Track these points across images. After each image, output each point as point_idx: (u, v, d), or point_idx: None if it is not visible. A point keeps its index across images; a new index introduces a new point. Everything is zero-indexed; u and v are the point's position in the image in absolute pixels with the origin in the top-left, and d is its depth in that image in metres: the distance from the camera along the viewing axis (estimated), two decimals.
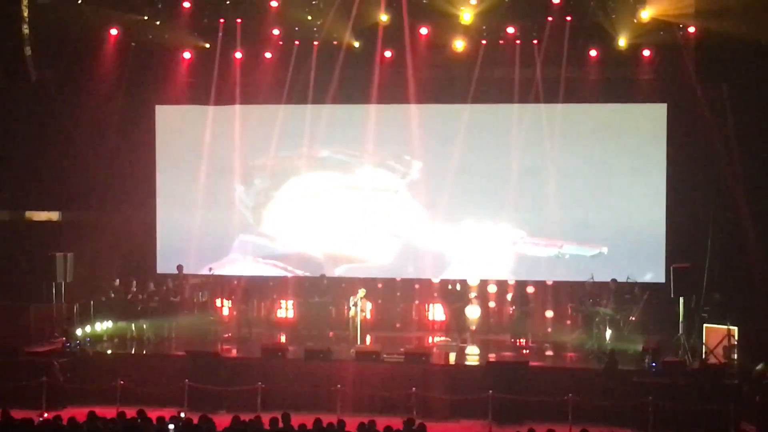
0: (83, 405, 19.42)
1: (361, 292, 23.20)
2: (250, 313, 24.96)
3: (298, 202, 26.27)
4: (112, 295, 24.10)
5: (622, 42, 24.02)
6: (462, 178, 25.42)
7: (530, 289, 25.16)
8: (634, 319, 22.40)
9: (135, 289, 24.17)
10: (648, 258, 24.57)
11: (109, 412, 16.61)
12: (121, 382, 20.15)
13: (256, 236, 26.44)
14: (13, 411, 15.69)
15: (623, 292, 22.97)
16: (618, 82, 24.77)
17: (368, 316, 23.77)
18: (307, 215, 26.16)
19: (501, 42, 24.90)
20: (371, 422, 15.27)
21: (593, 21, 24.01)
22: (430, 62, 25.06)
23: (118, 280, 24.46)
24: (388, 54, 25.21)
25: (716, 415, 18.41)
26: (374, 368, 20.77)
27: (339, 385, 19.93)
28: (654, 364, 20.07)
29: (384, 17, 24.30)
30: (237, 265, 26.27)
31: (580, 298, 23.63)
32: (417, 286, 26.21)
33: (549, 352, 22.51)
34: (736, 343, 20.85)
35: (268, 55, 25.61)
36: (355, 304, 22.98)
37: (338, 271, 25.94)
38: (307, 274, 25.82)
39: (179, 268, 24.97)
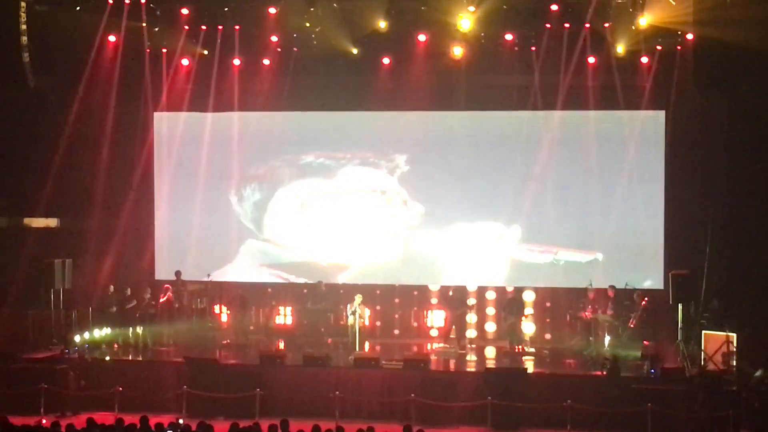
0: (81, 411, 19.51)
1: (358, 298, 23.21)
2: (247, 320, 24.92)
3: (299, 209, 26.27)
4: (114, 309, 23.99)
5: (621, 49, 24.05)
6: (460, 184, 25.43)
7: (528, 296, 25.14)
8: (632, 325, 22.39)
9: (129, 295, 24.08)
10: (647, 265, 24.55)
11: (107, 418, 16.61)
12: (120, 389, 20.12)
13: (261, 242, 26.44)
14: (11, 418, 15.66)
15: (621, 299, 22.96)
16: (616, 89, 24.69)
17: (366, 323, 23.70)
18: (310, 222, 26.18)
19: (499, 49, 24.91)
20: (370, 429, 15.25)
21: (591, 28, 24.00)
22: (428, 69, 25.06)
23: (112, 287, 24.39)
24: (386, 61, 25.25)
25: (715, 422, 18.39)
26: (373, 375, 20.77)
27: (337, 392, 19.95)
28: (653, 370, 20.11)
29: (382, 24, 24.32)
30: (240, 271, 26.23)
31: (578, 304, 23.59)
32: (416, 293, 26.16)
33: (547, 359, 22.52)
34: (734, 349, 20.85)
35: (266, 62, 25.61)
36: (353, 312, 22.99)
37: (342, 278, 25.88)
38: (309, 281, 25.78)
39: (177, 274, 24.97)
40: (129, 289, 24.24)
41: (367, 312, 23.65)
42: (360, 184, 26.04)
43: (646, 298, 22.67)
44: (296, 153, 26.18)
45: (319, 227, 26.11)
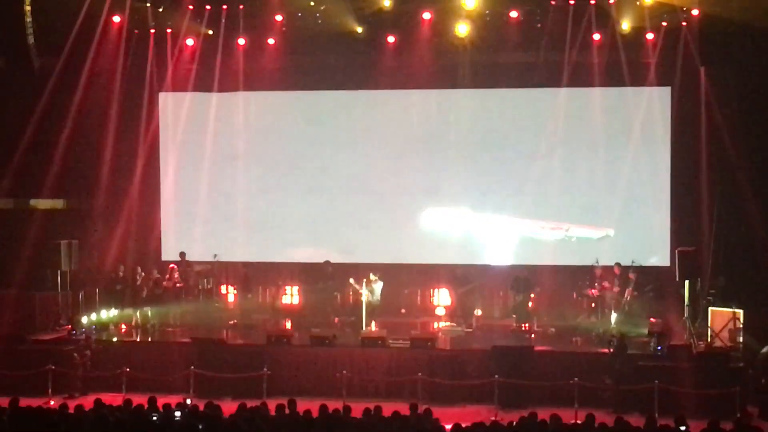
0: (89, 392, 19.58)
1: (373, 276, 23.14)
2: (254, 300, 24.91)
3: (306, 193, 26.29)
4: (118, 286, 23.98)
5: (626, 25, 23.97)
6: (467, 162, 25.42)
7: (535, 274, 25.06)
8: (628, 299, 22.35)
9: (140, 277, 24.08)
10: (653, 241, 24.55)
11: (115, 399, 16.66)
12: (127, 370, 20.18)
13: (265, 225, 26.41)
14: (19, 398, 15.70)
15: (628, 276, 22.94)
16: (621, 66, 24.57)
17: (378, 300, 23.49)
18: (316, 206, 26.20)
19: (504, 26, 24.80)
20: (377, 407, 15.26)
21: (596, 4, 23.89)
22: (433, 47, 24.97)
23: (122, 267, 24.38)
24: (391, 39, 25.15)
25: (721, 398, 18.33)
26: (379, 354, 20.81)
27: (344, 371, 19.98)
28: (659, 347, 20.10)
29: (387, 2, 24.23)
30: (247, 251, 26.16)
31: (585, 282, 23.58)
32: (422, 271, 26.00)
33: (554, 337, 22.53)
34: (741, 326, 20.85)
35: (271, 41, 25.54)
36: (367, 289, 22.91)
37: (349, 258, 25.72)
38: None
39: (182, 255, 24.97)
40: (140, 270, 24.23)
41: (380, 284, 23.44)
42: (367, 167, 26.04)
43: (637, 272, 22.64)
44: (302, 134, 26.18)
45: (326, 210, 26.11)
